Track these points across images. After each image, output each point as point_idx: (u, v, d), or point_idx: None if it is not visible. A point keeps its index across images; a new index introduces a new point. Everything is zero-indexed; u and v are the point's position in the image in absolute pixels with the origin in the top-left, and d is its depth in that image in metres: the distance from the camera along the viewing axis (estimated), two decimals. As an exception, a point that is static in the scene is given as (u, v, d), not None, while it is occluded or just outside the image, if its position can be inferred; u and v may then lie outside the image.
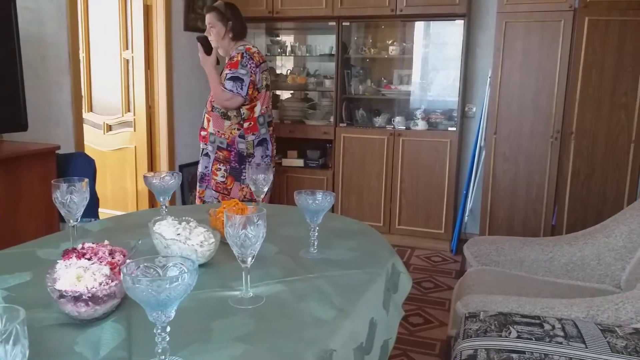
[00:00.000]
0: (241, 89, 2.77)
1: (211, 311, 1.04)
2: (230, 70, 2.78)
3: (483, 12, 3.87)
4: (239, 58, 2.80)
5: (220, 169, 2.88)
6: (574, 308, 1.65)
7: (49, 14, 2.80)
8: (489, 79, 3.65)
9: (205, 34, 2.89)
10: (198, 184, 2.99)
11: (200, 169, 2.96)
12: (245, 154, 2.88)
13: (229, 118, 2.85)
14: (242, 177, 2.88)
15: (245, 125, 2.86)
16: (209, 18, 2.89)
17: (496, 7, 3.48)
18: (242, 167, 2.87)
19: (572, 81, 3.34)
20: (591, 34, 3.24)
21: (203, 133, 2.94)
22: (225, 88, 2.76)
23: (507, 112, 3.53)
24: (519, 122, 3.52)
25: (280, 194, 4.12)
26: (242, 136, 2.86)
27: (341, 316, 1.05)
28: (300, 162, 4.17)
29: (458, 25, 3.72)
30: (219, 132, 2.86)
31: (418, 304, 2.91)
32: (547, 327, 1.53)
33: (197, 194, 3.01)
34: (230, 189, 2.89)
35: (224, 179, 2.88)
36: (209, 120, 2.90)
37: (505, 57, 3.47)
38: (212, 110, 2.87)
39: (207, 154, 2.93)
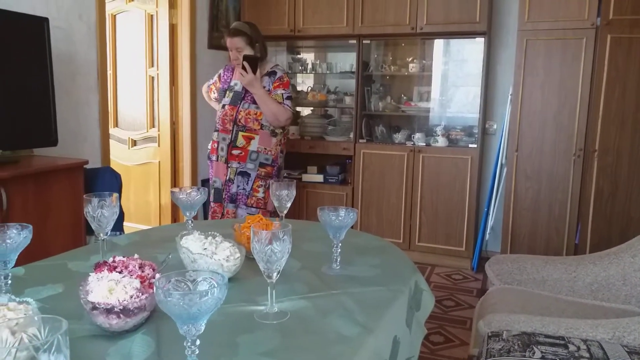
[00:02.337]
0: (292, 107, 2.98)
1: (237, 325, 1.06)
2: (284, 90, 2.93)
3: (504, 30, 3.88)
4: (287, 78, 2.98)
5: (262, 186, 2.95)
6: (600, 329, 1.62)
7: (79, 33, 2.90)
8: (510, 96, 3.64)
9: (233, 57, 2.90)
10: (231, 204, 2.97)
11: (233, 188, 2.94)
12: (281, 167, 3.07)
13: (276, 135, 2.96)
14: None
15: (283, 140, 3.05)
16: (237, 42, 2.85)
17: (517, 25, 3.49)
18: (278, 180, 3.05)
19: (595, 98, 3.32)
20: (614, 52, 3.23)
21: (236, 152, 2.92)
22: (290, 107, 2.92)
23: (529, 130, 3.51)
24: (541, 139, 3.50)
25: (299, 209, 4.14)
26: (282, 151, 3.06)
27: (365, 333, 1.06)
28: (319, 178, 4.20)
29: (478, 43, 3.74)
30: (265, 149, 2.93)
31: (439, 322, 2.89)
32: (572, 348, 1.51)
33: (225, 213, 2.97)
34: (267, 202, 2.98)
35: (263, 195, 2.96)
36: (249, 139, 2.90)
37: (527, 75, 3.47)
38: (261, 128, 2.90)
39: (243, 173, 2.93)
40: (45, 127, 2.46)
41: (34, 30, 2.39)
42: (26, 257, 1.41)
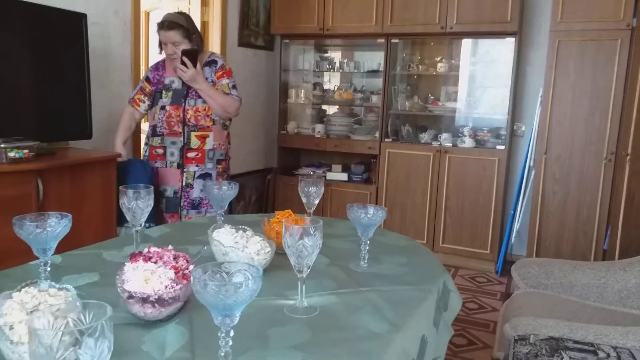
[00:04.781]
0: (239, 96, 2.77)
1: (268, 318, 1.08)
2: (229, 79, 2.73)
3: (535, 31, 3.82)
4: (229, 66, 2.78)
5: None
6: (630, 336, 1.59)
7: (115, 29, 2.96)
8: (539, 98, 3.59)
9: (169, 52, 2.62)
10: (193, 210, 2.65)
11: (194, 193, 2.62)
12: (229, 158, 2.87)
13: (226, 128, 2.80)
14: None
15: (229, 131, 2.86)
16: (173, 36, 2.59)
17: (549, 25, 3.43)
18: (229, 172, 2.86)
19: (629, 101, 3.23)
20: (650, 54, 3.14)
21: (192, 154, 2.66)
22: (238, 97, 2.73)
23: (559, 132, 3.45)
24: (571, 142, 3.43)
25: (323, 207, 4.16)
26: (229, 142, 2.87)
27: (394, 331, 1.06)
28: (344, 176, 4.21)
29: (508, 43, 3.69)
30: (220, 144, 2.74)
31: (462, 324, 2.87)
32: (601, 354, 1.49)
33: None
34: None
35: None
36: (204, 137, 2.68)
37: (558, 76, 3.41)
38: (214, 124, 2.70)
39: (204, 175, 2.66)
40: (80, 121, 2.52)
41: (73, 25, 2.45)
42: (61, 246, 1.45)
